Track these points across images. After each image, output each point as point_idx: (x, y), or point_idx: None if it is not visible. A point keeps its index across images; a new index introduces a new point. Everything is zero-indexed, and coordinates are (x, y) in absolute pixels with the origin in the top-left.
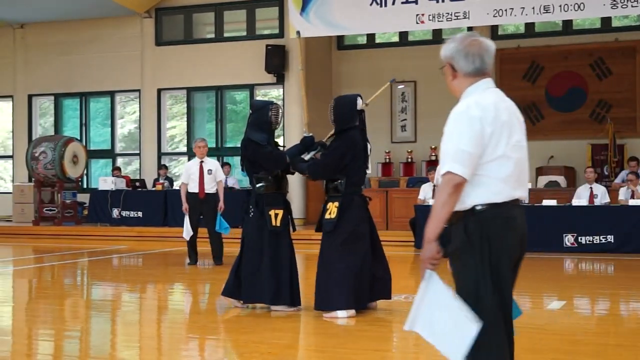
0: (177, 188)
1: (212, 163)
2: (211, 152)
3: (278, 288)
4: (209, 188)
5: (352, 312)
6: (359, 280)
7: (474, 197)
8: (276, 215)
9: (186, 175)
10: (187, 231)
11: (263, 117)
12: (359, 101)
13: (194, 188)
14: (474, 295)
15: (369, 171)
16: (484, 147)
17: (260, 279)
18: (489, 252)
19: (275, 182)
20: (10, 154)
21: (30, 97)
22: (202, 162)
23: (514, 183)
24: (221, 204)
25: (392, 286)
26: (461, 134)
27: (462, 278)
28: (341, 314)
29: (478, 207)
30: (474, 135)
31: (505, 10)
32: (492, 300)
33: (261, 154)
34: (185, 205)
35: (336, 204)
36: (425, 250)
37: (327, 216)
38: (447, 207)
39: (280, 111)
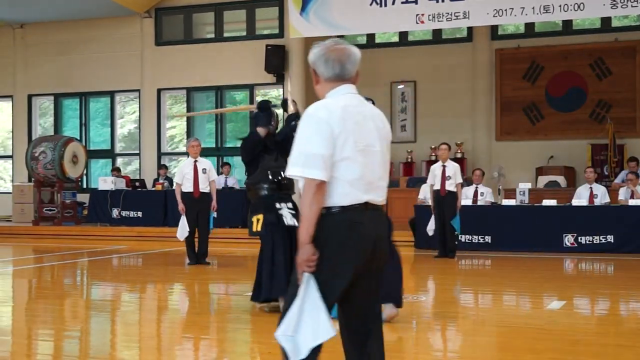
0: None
1: (205, 162)
2: (211, 152)
3: None
4: (204, 187)
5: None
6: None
7: (327, 198)
8: (257, 220)
9: (180, 175)
10: (181, 231)
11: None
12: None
13: (188, 188)
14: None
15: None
16: (334, 148)
17: (277, 277)
18: (329, 255)
19: (273, 184)
20: (10, 154)
21: (30, 97)
22: (196, 161)
23: (363, 187)
24: (214, 204)
25: None
26: (310, 137)
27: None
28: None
29: (326, 210)
30: (323, 136)
31: (505, 10)
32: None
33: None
34: (181, 206)
35: None
36: (300, 253)
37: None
38: (313, 207)
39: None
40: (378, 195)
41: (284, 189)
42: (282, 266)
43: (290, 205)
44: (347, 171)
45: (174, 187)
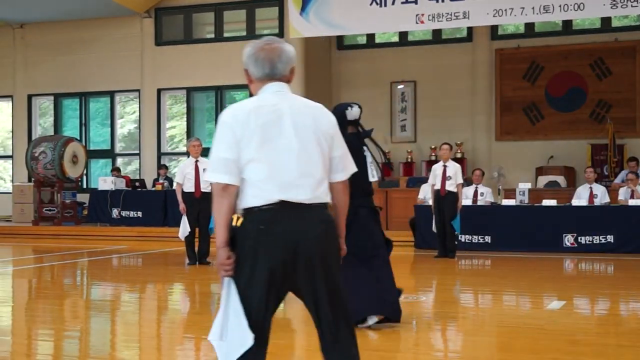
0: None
1: (206, 162)
2: None
3: None
4: (205, 187)
5: None
6: None
7: (240, 202)
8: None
9: (181, 175)
10: (182, 231)
11: None
12: (349, 111)
13: (189, 188)
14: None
15: (373, 179)
16: (240, 151)
17: None
18: (243, 260)
19: None
20: (10, 154)
21: (30, 97)
22: (197, 161)
23: (275, 186)
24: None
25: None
26: (217, 142)
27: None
28: None
29: (239, 212)
30: (226, 140)
31: (505, 10)
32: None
33: None
34: (182, 205)
35: None
36: (217, 257)
37: None
38: (221, 211)
39: None
40: (299, 194)
41: None
42: None
43: None
44: (253, 172)
45: (174, 187)
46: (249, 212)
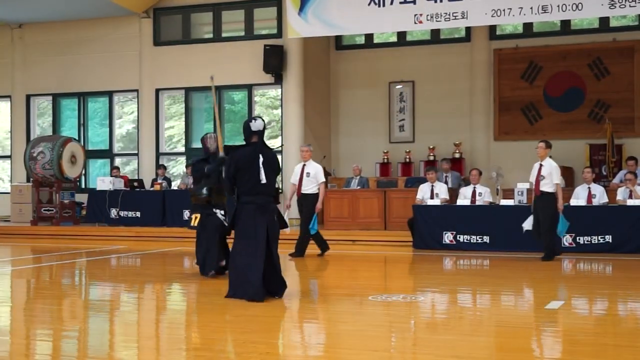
0: (175, 188)
1: (313, 166)
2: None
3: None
4: (307, 189)
5: None
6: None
7: None
8: (195, 218)
9: (294, 176)
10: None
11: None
12: (253, 123)
13: (294, 188)
14: None
15: (263, 181)
16: None
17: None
18: None
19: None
20: (9, 154)
21: (28, 97)
22: (304, 165)
23: None
24: (319, 205)
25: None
26: None
27: None
28: None
29: None
30: None
31: (504, 10)
32: None
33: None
34: (287, 202)
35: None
36: None
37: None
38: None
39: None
40: None
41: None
42: (214, 251)
43: (222, 211)
44: None
45: (173, 187)
46: None
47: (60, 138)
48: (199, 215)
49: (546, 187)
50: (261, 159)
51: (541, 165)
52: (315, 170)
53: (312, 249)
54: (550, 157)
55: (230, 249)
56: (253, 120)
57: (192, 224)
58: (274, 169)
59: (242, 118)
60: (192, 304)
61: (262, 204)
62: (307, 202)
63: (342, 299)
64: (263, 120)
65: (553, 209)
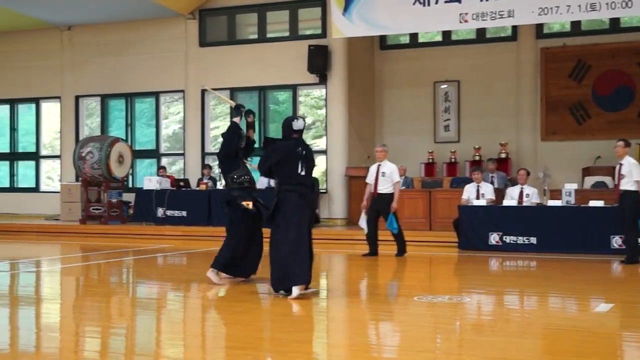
0: (221, 188)
1: (387, 166)
2: (254, 152)
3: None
4: (383, 188)
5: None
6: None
7: None
8: (247, 204)
9: (369, 176)
10: (362, 224)
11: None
12: (295, 122)
13: (371, 188)
14: None
15: (302, 172)
16: None
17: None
18: None
19: None
20: (58, 154)
21: (77, 98)
22: (379, 165)
23: None
24: (394, 204)
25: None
26: None
27: None
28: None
29: None
30: None
31: (551, 8)
32: None
33: None
34: (364, 203)
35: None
36: None
37: None
38: None
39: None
40: None
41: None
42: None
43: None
44: None
45: (218, 187)
46: None
47: (108, 138)
48: (250, 202)
49: (627, 185)
50: (301, 153)
51: (620, 164)
52: (390, 169)
53: (354, 248)
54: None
55: (271, 239)
56: (295, 120)
57: (247, 208)
58: (311, 163)
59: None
60: (237, 302)
61: (303, 193)
62: (382, 202)
63: (387, 299)
64: (305, 121)
65: (636, 207)
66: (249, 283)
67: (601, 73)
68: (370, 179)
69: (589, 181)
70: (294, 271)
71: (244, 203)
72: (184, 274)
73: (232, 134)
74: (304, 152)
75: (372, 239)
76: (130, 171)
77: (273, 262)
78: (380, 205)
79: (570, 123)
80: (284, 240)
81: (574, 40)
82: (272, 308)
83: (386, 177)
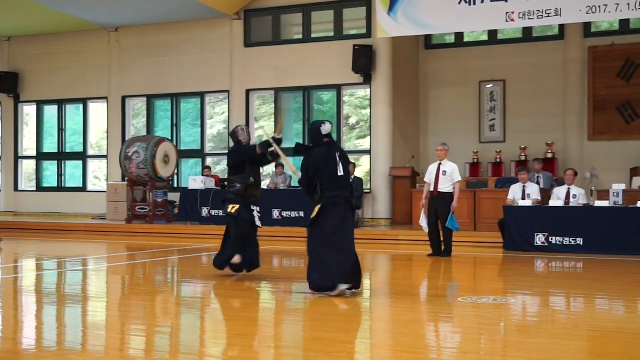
0: (265, 187)
1: (448, 166)
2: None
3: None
4: (443, 187)
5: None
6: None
7: None
8: (233, 207)
9: (428, 175)
10: (423, 223)
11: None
12: (323, 127)
13: (431, 187)
14: None
15: (341, 173)
16: None
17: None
18: None
19: None
20: (105, 153)
21: (123, 98)
22: (440, 164)
23: None
24: (454, 203)
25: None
26: None
27: None
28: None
29: None
30: None
31: (599, 6)
32: None
33: None
34: (423, 202)
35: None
36: None
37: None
38: None
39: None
40: None
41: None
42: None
43: (258, 209)
44: None
45: (262, 187)
46: None
47: (154, 138)
48: (237, 206)
49: None
50: (337, 155)
51: None
52: (451, 169)
53: (398, 249)
54: None
55: (312, 244)
56: (323, 124)
57: (230, 211)
58: (347, 163)
59: (331, 118)
60: (280, 302)
61: (347, 197)
62: (443, 201)
63: (432, 299)
64: (331, 124)
65: None
66: (291, 283)
67: None
68: (429, 177)
69: (638, 181)
70: (343, 270)
71: (230, 206)
72: (227, 273)
73: (245, 158)
74: (339, 153)
75: (435, 239)
76: (176, 171)
77: (315, 266)
78: (439, 204)
79: (618, 122)
80: (327, 245)
81: (622, 39)
82: (316, 308)
83: (447, 176)
